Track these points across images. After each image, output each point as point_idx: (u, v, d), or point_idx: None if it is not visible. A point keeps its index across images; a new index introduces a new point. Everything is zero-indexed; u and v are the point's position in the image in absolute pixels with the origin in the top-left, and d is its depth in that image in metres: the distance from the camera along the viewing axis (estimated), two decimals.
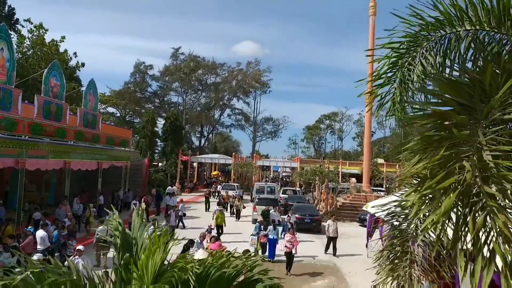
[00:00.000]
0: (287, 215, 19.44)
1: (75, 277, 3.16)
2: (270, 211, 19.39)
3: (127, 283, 3.31)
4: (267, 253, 14.63)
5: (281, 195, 29.97)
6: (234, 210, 24.69)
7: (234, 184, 37.99)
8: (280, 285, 3.52)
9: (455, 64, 4.40)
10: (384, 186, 41.72)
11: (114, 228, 3.77)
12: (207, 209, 26.58)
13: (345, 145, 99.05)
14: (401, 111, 4.61)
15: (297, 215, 20.96)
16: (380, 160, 55.68)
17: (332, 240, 16.32)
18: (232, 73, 64.75)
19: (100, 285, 3.31)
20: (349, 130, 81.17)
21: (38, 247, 11.91)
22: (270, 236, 14.70)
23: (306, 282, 12.48)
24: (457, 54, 4.38)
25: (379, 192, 32.20)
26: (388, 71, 4.58)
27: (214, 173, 60.71)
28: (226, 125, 73.12)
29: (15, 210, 15.82)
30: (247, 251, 10.12)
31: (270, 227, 15.06)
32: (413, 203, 3.23)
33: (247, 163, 46.93)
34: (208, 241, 12.35)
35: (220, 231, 17.98)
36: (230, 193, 32.20)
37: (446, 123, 3.08)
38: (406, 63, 4.49)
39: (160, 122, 51.30)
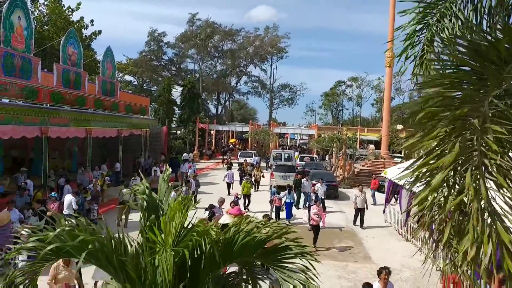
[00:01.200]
0: (313, 185, 17.99)
1: (103, 236, 3.26)
2: (302, 181, 18.85)
3: (151, 243, 3.39)
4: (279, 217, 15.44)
5: (298, 162, 30.05)
6: (253, 180, 24.43)
7: (251, 151, 38.23)
8: (310, 252, 3.56)
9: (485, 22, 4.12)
10: (402, 153, 41.26)
11: (141, 192, 3.84)
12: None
13: (363, 112, 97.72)
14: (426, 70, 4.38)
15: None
16: (399, 126, 54.81)
17: (360, 211, 15.64)
18: (249, 39, 63.61)
19: (125, 245, 3.40)
20: (368, 96, 79.71)
21: (65, 211, 12.35)
22: (287, 200, 16.00)
23: (323, 247, 12.67)
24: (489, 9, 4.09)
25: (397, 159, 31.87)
26: (416, 29, 4.34)
27: (231, 140, 61.08)
28: (243, 93, 72.90)
29: (41, 177, 16.41)
30: (267, 215, 10.29)
31: (285, 192, 16.19)
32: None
33: (264, 131, 46.92)
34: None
35: (247, 201, 18.06)
36: (248, 160, 32.45)
37: (453, 93, 2.89)
38: (435, 20, 4.23)
39: (177, 90, 51.38)
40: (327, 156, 39.36)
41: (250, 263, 3.66)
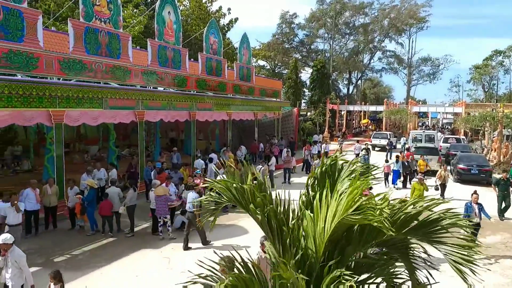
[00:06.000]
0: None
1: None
2: None
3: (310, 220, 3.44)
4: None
5: (442, 144, 27.25)
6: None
7: (386, 132, 36.09)
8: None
9: None
10: None
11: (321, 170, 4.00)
12: None
13: None
14: None
15: (461, 165, 18.97)
16: None
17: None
18: (384, 11, 59.50)
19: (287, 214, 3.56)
20: None
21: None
22: (395, 168, 18.06)
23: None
24: None
25: None
26: None
27: (363, 121, 58.80)
28: (377, 70, 69.19)
29: (190, 156, 18.57)
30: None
31: (393, 160, 18.59)
32: None
33: (401, 110, 43.76)
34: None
35: None
36: (382, 142, 30.78)
37: None
38: None
39: (307, 72, 51.53)
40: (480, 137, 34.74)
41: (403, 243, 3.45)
